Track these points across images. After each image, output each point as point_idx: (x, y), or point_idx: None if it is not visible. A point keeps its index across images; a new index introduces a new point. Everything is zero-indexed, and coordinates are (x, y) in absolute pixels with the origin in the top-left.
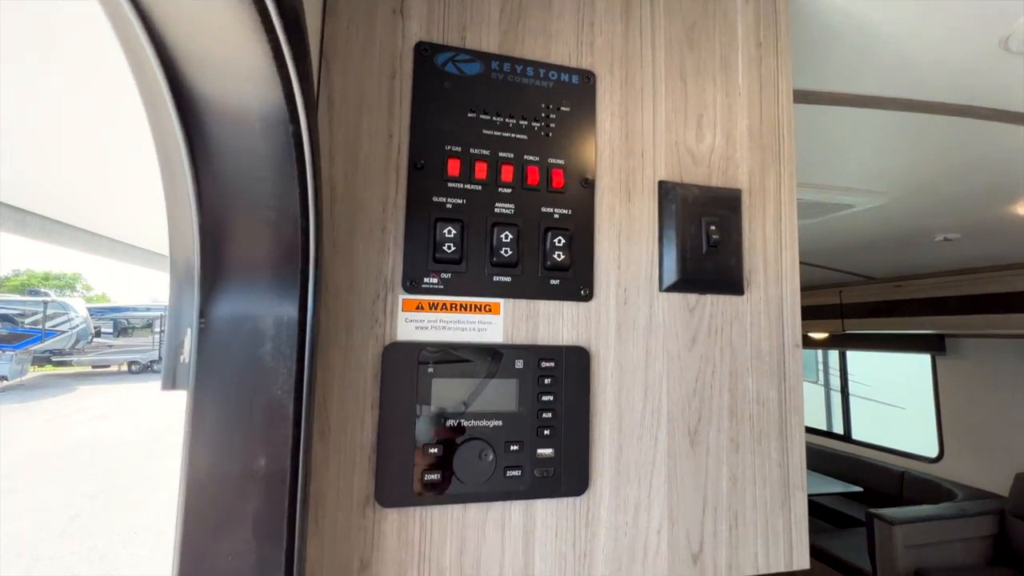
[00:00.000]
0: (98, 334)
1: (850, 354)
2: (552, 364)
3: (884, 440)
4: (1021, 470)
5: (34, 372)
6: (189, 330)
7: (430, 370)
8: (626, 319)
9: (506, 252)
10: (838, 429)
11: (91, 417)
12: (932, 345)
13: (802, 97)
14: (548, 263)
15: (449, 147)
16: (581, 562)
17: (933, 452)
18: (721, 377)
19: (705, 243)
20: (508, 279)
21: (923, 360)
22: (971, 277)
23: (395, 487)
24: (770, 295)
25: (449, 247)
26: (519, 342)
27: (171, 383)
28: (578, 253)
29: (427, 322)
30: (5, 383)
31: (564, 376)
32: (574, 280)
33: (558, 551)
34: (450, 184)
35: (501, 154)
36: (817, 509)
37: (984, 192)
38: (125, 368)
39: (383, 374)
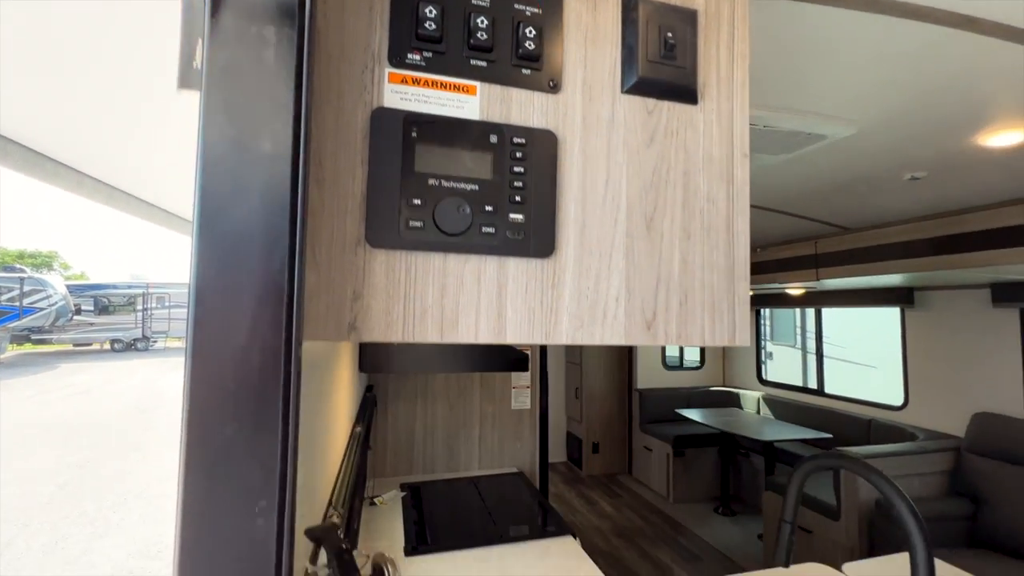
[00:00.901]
0: (78, 312)
1: (826, 319)
2: (523, 141)
3: (855, 394)
4: (977, 411)
5: (13, 350)
6: (200, 39)
7: (413, 135)
8: (591, 113)
9: (482, 36)
10: (813, 385)
11: (75, 393)
12: (902, 298)
13: None
14: (520, 51)
15: None
16: (548, 316)
17: (899, 401)
18: (675, 174)
19: (663, 49)
20: (484, 63)
21: (894, 320)
22: (938, 221)
23: (383, 231)
24: (722, 108)
25: (430, 25)
26: (493, 121)
27: (186, 84)
28: (547, 46)
29: (411, 95)
30: None
31: (534, 153)
32: (543, 72)
33: (528, 305)
34: None
35: None
36: (788, 456)
37: (949, 122)
38: (107, 346)
39: (371, 134)
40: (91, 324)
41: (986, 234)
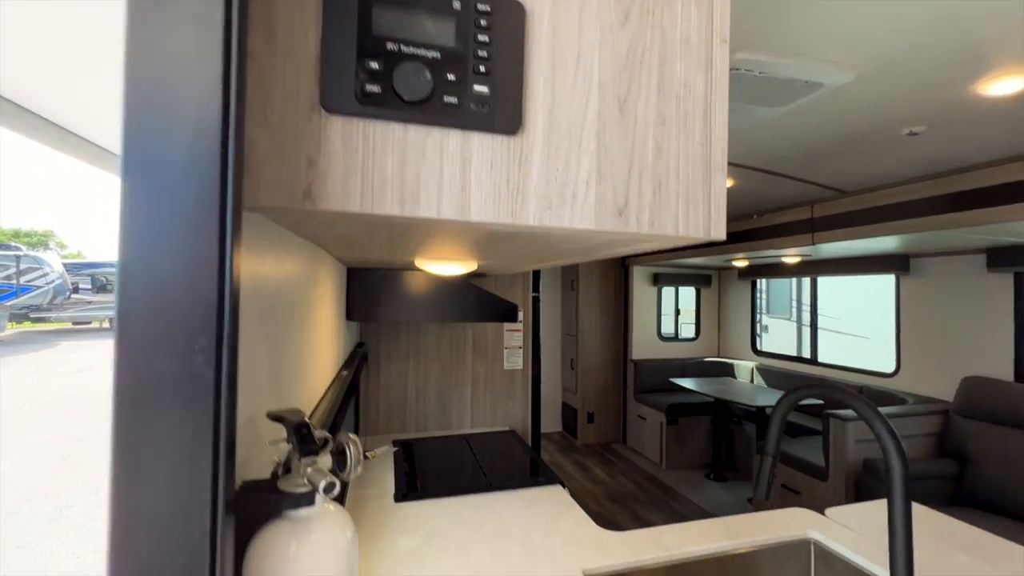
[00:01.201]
0: (76, 290)
1: (821, 292)
2: (488, 9)
3: (848, 363)
4: (967, 375)
5: (12, 329)
6: None
7: None
8: None
9: None
10: (807, 355)
11: (75, 370)
12: (897, 265)
13: None
14: None
15: None
16: (514, 195)
17: (890, 368)
18: (651, 56)
19: None
20: None
21: (888, 291)
22: (935, 180)
23: (338, 95)
24: None
25: None
26: None
27: None
28: None
29: None
30: None
31: (500, 23)
32: None
33: (493, 183)
34: None
35: None
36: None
37: (949, 67)
38: (107, 325)
39: None
40: (89, 302)
41: (984, 192)
